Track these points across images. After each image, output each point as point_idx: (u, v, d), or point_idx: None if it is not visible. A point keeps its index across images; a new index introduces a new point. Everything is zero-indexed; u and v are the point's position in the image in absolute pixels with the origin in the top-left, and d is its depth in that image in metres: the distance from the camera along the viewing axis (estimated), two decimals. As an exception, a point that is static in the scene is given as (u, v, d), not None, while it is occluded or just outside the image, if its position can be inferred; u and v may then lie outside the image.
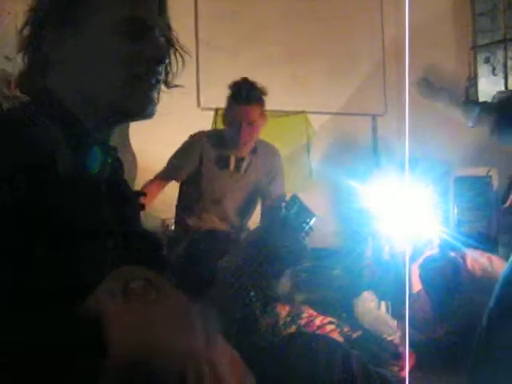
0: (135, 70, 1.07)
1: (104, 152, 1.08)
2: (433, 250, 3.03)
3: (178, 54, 1.17)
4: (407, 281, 2.81)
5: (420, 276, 2.93)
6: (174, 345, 0.75)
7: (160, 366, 0.71)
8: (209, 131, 3.62)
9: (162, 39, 1.11)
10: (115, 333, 0.73)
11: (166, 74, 1.17)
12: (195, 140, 3.33)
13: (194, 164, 3.26)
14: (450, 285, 2.82)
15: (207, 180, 3.27)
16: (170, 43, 1.15)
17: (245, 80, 3.18)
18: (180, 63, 1.18)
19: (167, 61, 1.12)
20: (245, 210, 3.40)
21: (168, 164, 3.35)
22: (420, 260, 2.98)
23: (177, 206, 3.50)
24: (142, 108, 1.10)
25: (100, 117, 1.09)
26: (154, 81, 1.10)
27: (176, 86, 1.20)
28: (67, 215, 0.91)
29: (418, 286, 2.90)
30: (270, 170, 3.45)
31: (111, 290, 0.78)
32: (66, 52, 1.05)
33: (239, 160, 3.29)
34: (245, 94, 3.13)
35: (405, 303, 2.69)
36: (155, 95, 1.11)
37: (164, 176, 3.35)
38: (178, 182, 3.41)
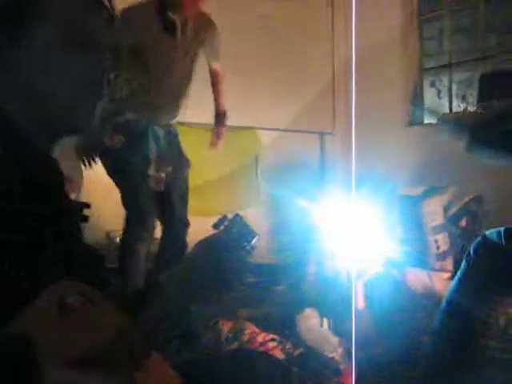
0: (82, 84, 1.06)
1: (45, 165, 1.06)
2: (377, 268, 3.07)
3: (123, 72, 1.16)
4: (353, 298, 2.84)
5: (365, 294, 2.96)
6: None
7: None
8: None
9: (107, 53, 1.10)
10: (48, 350, 0.71)
11: (112, 90, 1.16)
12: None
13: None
14: (391, 302, 2.86)
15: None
16: (117, 59, 1.14)
17: None
18: (125, 80, 1.18)
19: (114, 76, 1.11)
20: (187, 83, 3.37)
21: None
22: (365, 278, 3.01)
23: None
24: (88, 123, 1.09)
25: (45, 132, 1.06)
26: (99, 96, 1.09)
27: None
28: (7, 227, 0.89)
29: (362, 304, 2.93)
30: (206, 39, 3.40)
31: (46, 306, 0.77)
32: (10, 62, 1.02)
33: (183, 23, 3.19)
34: None
35: (348, 320, 2.71)
36: (99, 109, 1.10)
37: None
38: None
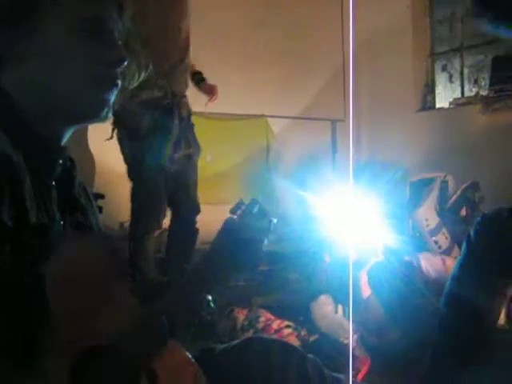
0: (94, 72, 1.05)
1: (53, 153, 1.07)
2: (378, 258, 3.03)
3: (135, 60, 1.16)
4: (350, 286, 2.84)
5: (369, 282, 2.94)
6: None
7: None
8: None
9: (120, 42, 1.09)
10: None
11: (124, 78, 1.15)
12: None
13: None
14: (404, 289, 2.85)
15: None
16: (129, 48, 1.14)
17: None
18: (138, 68, 1.18)
19: (126, 64, 1.10)
20: None
21: None
22: (367, 267, 2.99)
23: None
24: (99, 112, 1.08)
25: (54, 119, 1.07)
26: (112, 84, 1.09)
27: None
28: (15, 217, 0.89)
29: (367, 292, 2.92)
30: None
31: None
32: (22, 50, 1.02)
33: None
34: None
35: (356, 308, 2.72)
36: (112, 99, 1.10)
37: None
38: None
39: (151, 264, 3.19)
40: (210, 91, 3.56)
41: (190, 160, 3.34)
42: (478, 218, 1.93)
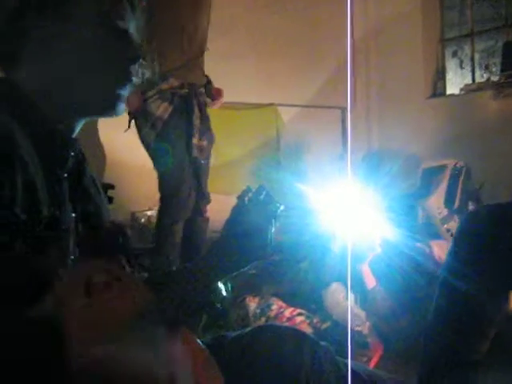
0: (112, 67, 1.07)
1: (66, 146, 1.07)
2: (376, 252, 2.99)
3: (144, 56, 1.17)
4: (349, 280, 2.84)
5: (374, 273, 2.93)
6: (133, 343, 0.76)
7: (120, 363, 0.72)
8: None
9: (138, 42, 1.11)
10: (76, 330, 0.73)
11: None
12: None
13: None
14: (415, 277, 2.84)
15: None
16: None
17: None
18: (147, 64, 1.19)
19: (141, 62, 1.11)
20: None
21: None
22: (367, 261, 2.96)
23: None
24: (113, 107, 1.09)
25: (69, 112, 1.07)
26: (127, 80, 1.10)
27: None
28: (28, 210, 0.90)
29: (372, 283, 2.90)
30: None
31: (72, 287, 0.78)
32: (40, 42, 1.02)
33: None
34: None
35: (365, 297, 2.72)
36: (126, 95, 1.11)
37: None
38: None
39: (175, 254, 3.20)
40: (217, 94, 3.54)
41: (208, 149, 3.35)
42: (463, 217, 1.89)
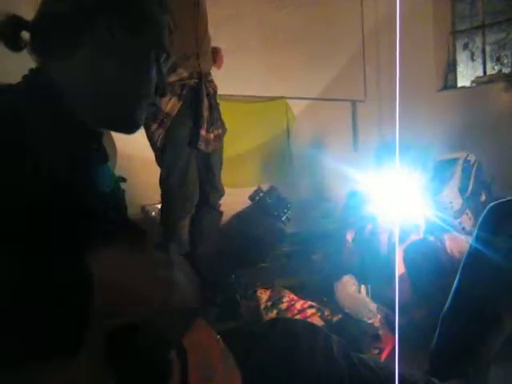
0: (144, 93, 1.10)
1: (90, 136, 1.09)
2: (418, 235, 3.06)
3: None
4: (396, 262, 2.85)
5: (404, 259, 2.95)
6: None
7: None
8: None
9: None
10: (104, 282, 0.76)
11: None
12: None
13: None
14: (432, 268, 2.85)
15: None
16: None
17: None
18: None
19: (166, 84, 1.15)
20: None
21: None
22: (406, 243, 3.00)
23: None
24: (135, 127, 1.13)
25: (93, 122, 1.08)
26: (150, 107, 1.14)
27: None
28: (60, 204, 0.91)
29: (401, 269, 2.93)
30: None
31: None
32: (96, 46, 1.04)
33: None
34: None
35: (387, 286, 2.72)
36: (144, 116, 1.13)
37: None
38: None
39: (182, 249, 3.17)
40: (218, 58, 3.46)
41: (219, 141, 3.29)
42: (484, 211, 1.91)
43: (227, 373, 1.00)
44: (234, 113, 4.02)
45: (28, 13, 1.07)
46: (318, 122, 5.41)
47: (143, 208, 4.52)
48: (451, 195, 3.65)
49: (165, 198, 3.22)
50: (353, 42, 5.85)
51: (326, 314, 2.70)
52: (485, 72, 5.45)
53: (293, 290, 2.99)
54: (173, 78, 3.03)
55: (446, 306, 1.89)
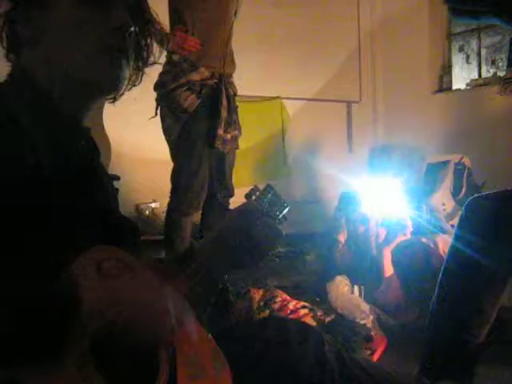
0: (103, 41, 1.05)
1: (77, 133, 1.08)
2: (406, 236, 3.07)
3: (154, 32, 1.15)
4: (383, 263, 2.86)
5: (392, 261, 2.96)
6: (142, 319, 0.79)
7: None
8: None
9: (126, 10, 1.08)
10: (88, 302, 0.76)
11: (142, 51, 1.15)
12: None
13: None
14: (422, 270, 2.85)
15: None
16: (145, 17, 1.13)
17: None
18: (157, 41, 1.17)
19: (131, 30, 1.09)
20: None
21: None
22: (393, 245, 3.02)
23: None
24: (110, 81, 1.08)
25: (71, 94, 1.07)
26: (120, 54, 1.07)
27: (153, 63, 1.19)
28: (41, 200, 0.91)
29: (390, 271, 2.94)
30: None
31: (84, 268, 0.80)
32: (37, 27, 1.03)
33: None
34: None
35: (374, 288, 2.73)
36: (123, 69, 1.08)
37: None
38: None
39: (186, 246, 3.15)
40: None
41: (235, 142, 3.29)
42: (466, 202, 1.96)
43: (217, 372, 1.00)
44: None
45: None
46: (313, 123, 5.41)
47: (137, 206, 4.52)
48: (444, 198, 3.66)
49: (173, 193, 3.20)
50: (349, 43, 5.86)
51: (319, 314, 2.69)
52: (480, 75, 5.46)
53: (286, 289, 2.99)
54: (195, 77, 3.04)
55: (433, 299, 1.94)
